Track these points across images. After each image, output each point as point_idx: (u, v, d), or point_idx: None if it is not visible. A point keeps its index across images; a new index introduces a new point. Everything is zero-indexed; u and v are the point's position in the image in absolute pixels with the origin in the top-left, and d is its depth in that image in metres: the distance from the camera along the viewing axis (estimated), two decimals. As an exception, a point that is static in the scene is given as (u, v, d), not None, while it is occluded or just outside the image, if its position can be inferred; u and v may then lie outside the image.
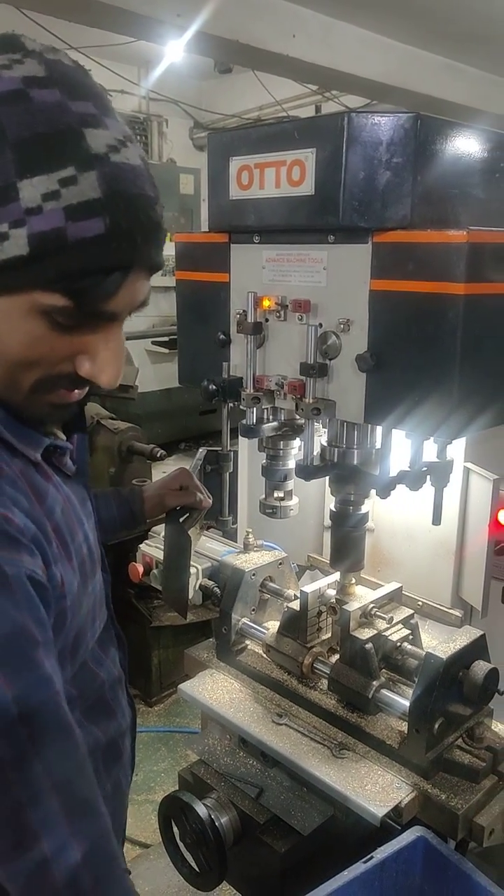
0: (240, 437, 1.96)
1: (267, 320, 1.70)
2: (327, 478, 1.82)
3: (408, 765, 1.62)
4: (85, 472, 1.17)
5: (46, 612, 0.89)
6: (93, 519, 1.18)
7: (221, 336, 1.80)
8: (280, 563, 2.07)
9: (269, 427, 1.80)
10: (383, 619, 1.78)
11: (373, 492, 1.75)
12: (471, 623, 2.01)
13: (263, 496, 1.92)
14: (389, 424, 1.54)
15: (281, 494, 1.90)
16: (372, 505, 1.90)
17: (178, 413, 6.30)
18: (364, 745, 1.70)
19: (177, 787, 1.88)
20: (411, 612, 1.87)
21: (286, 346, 1.68)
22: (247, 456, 2.28)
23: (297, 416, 1.70)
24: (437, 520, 1.71)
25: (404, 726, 1.66)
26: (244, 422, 1.76)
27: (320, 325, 1.59)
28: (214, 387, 1.76)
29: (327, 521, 1.95)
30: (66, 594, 0.99)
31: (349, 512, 1.84)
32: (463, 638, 1.65)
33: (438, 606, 2.01)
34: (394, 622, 1.80)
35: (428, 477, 1.64)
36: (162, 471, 4.11)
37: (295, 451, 1.87)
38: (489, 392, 1.49)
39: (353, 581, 1.93)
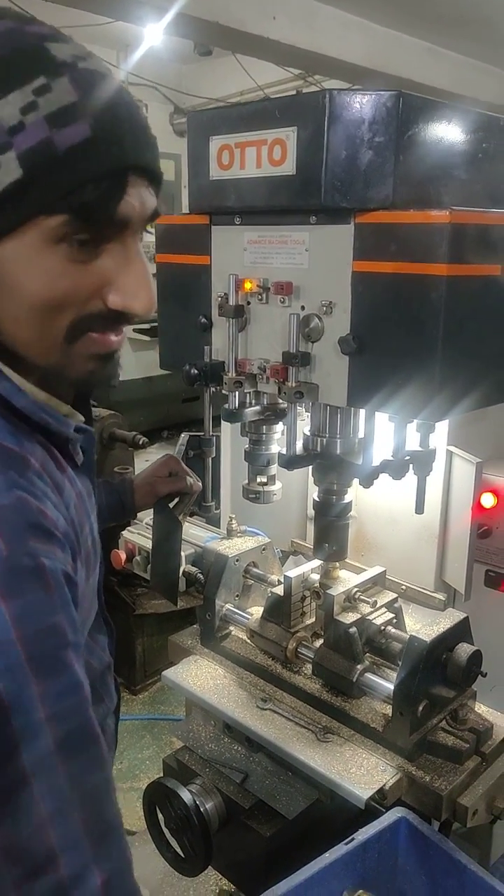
0: (222, 423, 1.95)
1: (248, 303, 1.68)
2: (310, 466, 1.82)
3: (392, 747, 1.63)
4: (91, 464, 1.14)
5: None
6: (95, 511, 1.14)
7: (203, 320, 1.78)
8: (263, 549, 2.06)
9: (251, 411, 1.79)
10: (367, 603, 1.78)
11: (356, 480, 1.75)
12: (454, 606, 2.02)
13: (246, 481, 1.91)
14: (373, 407, 1.53)
15: (264, 479, 1.89)
16: (355, 492, 1.90)
17: (160, 401, 6.27)
18: (349, 728, 1.71)
19: (161, 774, 1.88)
20: (395, 595, 1.88)
21: (268, 329, 1.66)
22: (230, 441, 2.26)
23: (280, 401, 1.68)
24: (419, 508, 1.71)
25: (388, 709, 1.66)
26: (226, 406, 1.74)
27: (303, 307, 1.57)
28: (196, 371, 1.74)
29: (311, 509, 1.95)
30: (78, 591, 0.96)
31: (332, 501, 1.83)
32: (446, 621, 1.66)
33: (422, 590, 2.01)
34: (378, 606, 1.80)
35: (411, 466, 1.64)
36: (144, 459, 4.09)
37: (278, 436, 1.86)
38: (472, 374, 1.48)
39: (337, 566, 1.93)
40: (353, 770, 1.60)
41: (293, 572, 1.88)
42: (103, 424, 3.73)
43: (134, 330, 5.52)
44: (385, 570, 1.92)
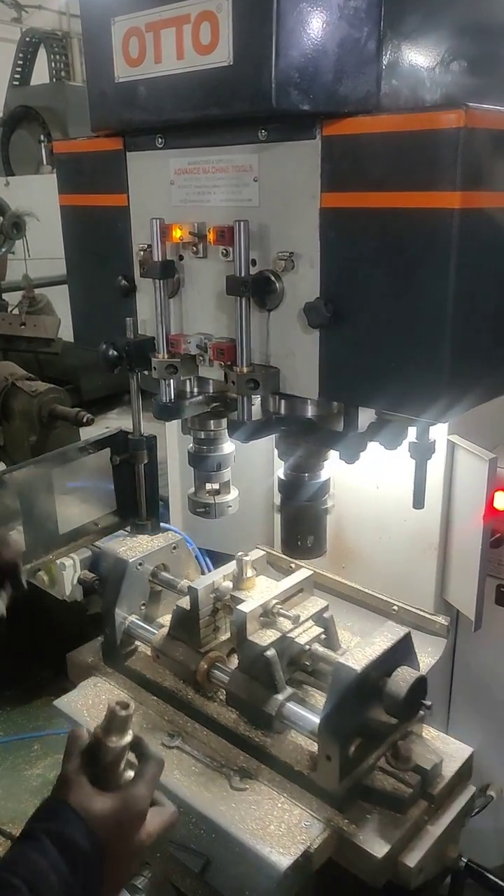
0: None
1: (181, 258, 1.24)
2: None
3: (320, 795, 1.32)
4: None
5: None
6: None
7: (122, 282, 1.34)
8: (175, 548, 1.72)
9: (192, 404, 1.36)
10: (288, 617, 1.46)
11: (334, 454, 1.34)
12: (457, 632, 1.64)
13: (192, 490, 1.48)
14: (354, 400, 1.12)
15: (215, 487, 1.47)
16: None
17: (117, 363, 5.78)
18: (270, 770, 1.39)
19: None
20: (325, 604, 1.56)
21: (208, 293, 1.23)
22: (177, 435, 1.83)
23: (227, 390, 1.25)
24: (419, 502, 1.34)
25: (317, 746, 1.34)
26: (158, 399, 1.30)
27: (254, 262, 1.13)
28: (115, 352, 1.30)
29: (278, 498, 1.53)
30: None
31: (304, 480, 1.43)
32: (383, 639, 1.34)
33: (419, 612, 1.62)
34: (301, 621, 1.49)
35: (407, 446, 1.24)
36: (105, 427, 3.65)
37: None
38: (494, 350, 1.06)
39: (254, 572, 1.58)
40: (272, 827, 1.28)
41: (200, 582, 1.55)
42: (42, 401, 3.27)
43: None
44: (312, 574, 1.58)
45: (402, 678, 1.27)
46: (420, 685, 1.28)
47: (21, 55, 7.99)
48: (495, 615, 1.63)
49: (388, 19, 0.95)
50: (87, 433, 3.47)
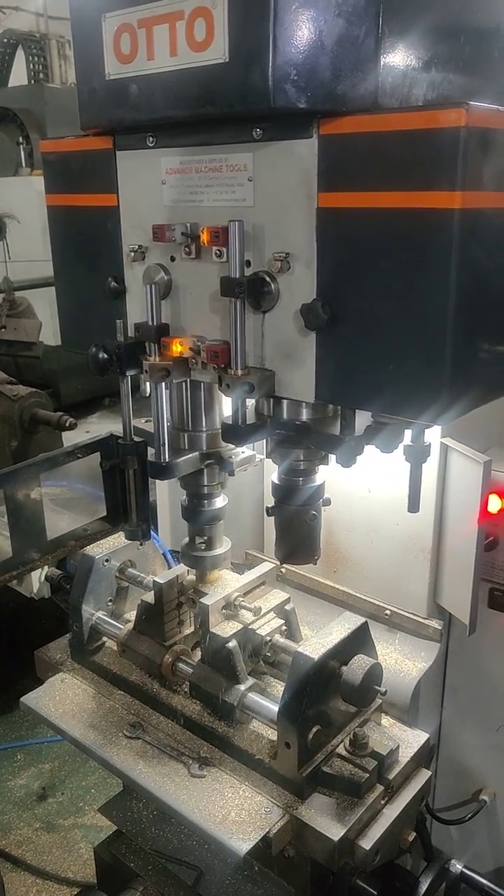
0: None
1: (173, 259, 1.22)
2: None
3: (281, 782, 1.34)
4: None
5: None
6: None
7: (112, 283, 1.31)
8: (140, 545, 1.72)
9: (187, 461, 1.38)
10: (249, 609, 1.49)
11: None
12: (449, 636, 1.63)
13: (185, 542, 1.49)
14: (353, 403, 1.10)
15: (209, 539, 1.51)
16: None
17: (97, 366, 5.71)
18: (233, 759, 1.40)
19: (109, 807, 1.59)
20: (286, 596, 1.58)
21: (202, 295, 1.21)
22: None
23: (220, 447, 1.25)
24: (414, 506, 1.33)
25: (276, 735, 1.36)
26: (154, 459, 1.31)
27: (248, 263, 1.11)
28: (106, 355, 1.28)
29: (269, 500, 1.51)
30: None
31: (298, 485, 1.40)
32: (341, 629, 1.38)
33: (412, 616, 1.61)
34: (262, 613, 1.51)
35: (402, 449, 1.24)
36: (85, 431, 3.60)
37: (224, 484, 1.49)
38: (494, 351, 1.05)
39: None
40: (233, 814, 1.30)
41: (164, 576, 1.57)
42: (23, 405, 3.22)
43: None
44: (274, 567, 1.61)
45: (359, 666, 1.31)
46: (374, 672, 1.32)
47: (-2, 56, 7.92)
48: (489, 619, 1.62)
49: (386, 17, 0.93)
50: (69, 438, 3.44)
